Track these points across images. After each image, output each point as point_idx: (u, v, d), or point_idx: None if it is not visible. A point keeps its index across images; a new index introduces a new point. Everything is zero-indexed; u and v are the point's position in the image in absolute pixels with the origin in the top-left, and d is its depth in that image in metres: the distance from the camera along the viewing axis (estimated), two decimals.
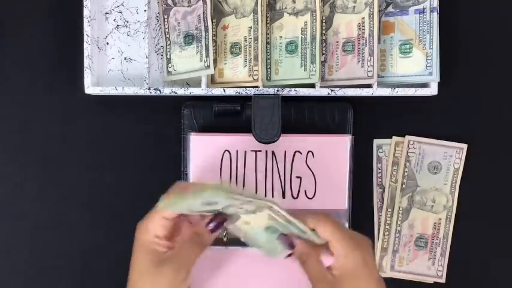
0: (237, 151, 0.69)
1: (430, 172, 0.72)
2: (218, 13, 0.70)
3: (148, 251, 0.55)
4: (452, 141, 0.72)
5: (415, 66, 0.69)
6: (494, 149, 0.73)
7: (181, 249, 0.56)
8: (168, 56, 0.71)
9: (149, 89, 0.68)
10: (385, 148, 0.73)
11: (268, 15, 0.70)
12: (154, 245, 0.56)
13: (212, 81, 0.71)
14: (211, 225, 0.57)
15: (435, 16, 0.68)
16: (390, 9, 0.70)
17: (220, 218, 0.57)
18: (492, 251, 0.73)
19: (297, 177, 0.69)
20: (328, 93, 0.68)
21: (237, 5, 0.69)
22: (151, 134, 0.72)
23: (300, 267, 0.58)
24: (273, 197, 0.70)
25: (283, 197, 0.70)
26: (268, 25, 0.70)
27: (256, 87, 0.69)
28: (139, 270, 0.55)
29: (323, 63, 0.70)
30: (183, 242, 0.57)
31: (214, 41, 0.70)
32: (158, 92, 0.68)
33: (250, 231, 0.59)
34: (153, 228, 0.56)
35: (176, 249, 0.56)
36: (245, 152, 0.69)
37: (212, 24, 0.69)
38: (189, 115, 0.71)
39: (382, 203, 0.72)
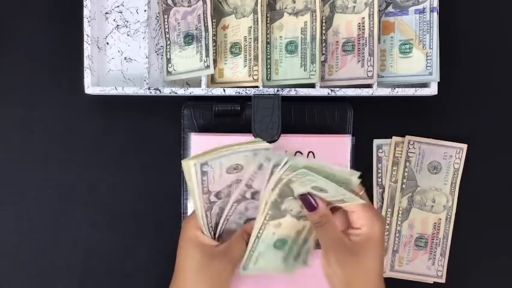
0: None
1: (430, 172, 0.72)
2: (218, 13, 0.70)
3: (198, 245, 0.58)
4: (452, 141, 0.72)
5: (415, 66, 0.69)
6: (494, 149, 0.73)
7: (231, 244, 0.58)
8: (168, 56, 0.71)
9: (149, 89, 0.68)
10: (385, 148, 0.73)
11: (268, 15, 0.70)
12: (204, 239, 0.58)
13: (212, 81, 0.71)
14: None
15: (435, 16, 0.68)
16: (390, 9, 0.70)
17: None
18: (492, 251, 0.73)
19: None
20: (328, 93, 0.68)
21: (237, 5, 0.69)
22: (151, 134, 0.72)
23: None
24: None
25: None
26: (268, 25, 0.70)
27: (256, 87, 0.69)
28: (189, 264, 0.57)
29: (323, 63, 0.70)
30: (232, 237, 0.59)
31: (214, 41, 0.70)
32: (158, 92, 0.68)
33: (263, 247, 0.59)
34: (199, 224, 0.58)
35: (226, 244, 0.58)
36: None
37: (212, 24, 0.69)
38: (189, 115, 0.71)
39: (382, 203, 0.72)
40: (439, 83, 0.68)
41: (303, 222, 0.59)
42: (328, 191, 0.56)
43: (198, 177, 0.55)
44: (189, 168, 0.54)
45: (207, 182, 0.56)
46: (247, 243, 0.59)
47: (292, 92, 0.68)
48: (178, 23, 0.70)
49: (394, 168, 0.72)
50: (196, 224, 0.59)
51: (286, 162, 0.54)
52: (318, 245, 0.60)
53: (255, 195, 0.59)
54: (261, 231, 0.58)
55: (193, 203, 0.58)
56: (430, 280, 0.72)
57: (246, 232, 0.59)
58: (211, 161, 0.55)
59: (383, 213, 0.72)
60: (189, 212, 0.70)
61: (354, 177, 0.55)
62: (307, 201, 0.56)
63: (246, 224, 0.61)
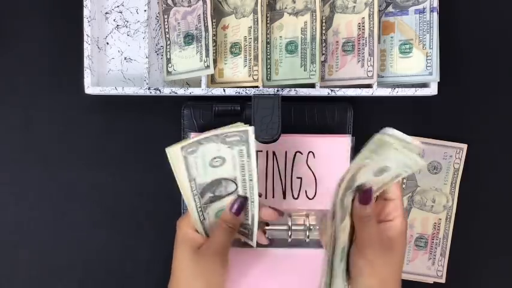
0: None
1: (430, 172, 0.72)
2: (218, 13, 0.70)
3: (187, 242, 0.59)
4: (452, 141, 0.72)
5: (415, 66, 0.69)
6: (494, 149, 0.73)
7: (213, 236, 0.59)
8: (168, 56, 0.71)
9: (149, 89, 0.68)
10: None
11: (268, 15, 0.70)
12: (193, 236, 0.59)
13: (212, 81, 0.71)
14: (234, 208, 0.60)
15: (435, 16, 0.68)
16: (390, 9, 0.70)
17: (240, 200, 0.60)
18: (492, 251, 0.73)
19: (298, 177, 0.69)
20: (328, 93, 0.68)
21: (237, 5, 0.69)
22: (152, 134, 0.72)
23: None
24: (273, 197, 0.70)
25: (284, 197, 0.70)
26: (268, 25, 0.70)
27: (256, 87, 0.69)
28: (180, 261, 0.59)
29: (323, 63, 0.70)
30: (213, 230, 0.60)
31: (214, 41, 0.70)
32: (158, 92, 0.68)
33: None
34: (192, 223, 0.60)
35: (210, 238, 0.60)
36: None
37: (212, 24, 0.69)
38: (189, 115, 0.71)
39: None
40: (439, 83, 0.68)
41: (349, 221, 0.57)
42: (391, 169, 0.54)
43: (185, 165, 0.54)
44: (176, 153, 0.53)
45: (194, 173, 0.56)
46: (228, 231, 0.59)
47: (292, 92, 0.68)
48: (178, 23, 0.70)
49: None
50: (188, 221, 0.60)
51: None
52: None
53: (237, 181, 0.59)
54: (338, 243, 0.56)
55: (184, 196, 0.57)
56: (430, 280, 0.72)
57: (223, 221, 0.60)
58: (195, 147, 0.53)
59: None
60: None
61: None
62: (368, 194, 0.55)
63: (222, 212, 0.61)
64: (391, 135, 0.52)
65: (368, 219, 0.56)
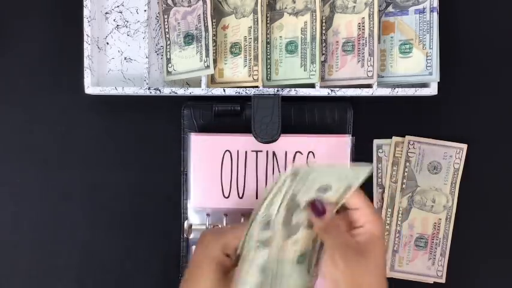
0: (237, 151, 0.69)
1: (430, 172, 0.72)
2: (218, 13, 0.70)
3: (218, 266, 0.56)
4: (452, 141, 0.72)
5: (415, 66, 0.69)
6: (494, 149, 0.73)
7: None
8: (168, 56, 0.71)
9: (149, 89, 0.68)
10: (385, 148, 0.73)
11: (268, 15, 0.70)
12: (223, 258, 0.56)
13: (212, 81, 0.71)
14: None
15: (435, 16, 0.68)
16: (390, 9, 0.70)
17: None
18: (492, 251, 0.73)
19: None
20: (328, 93, 0.68)
21: (237, 5, 0.70)
22: (151, 134, 0.72)
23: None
24: None
25: None
26: (268, 25, 0.70)
27: (256, 87, 0.69)
28: (207, 281, 0.56)
29: (323, 63, 0.70)
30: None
31: (214, 41, 0.70)
32: (158, 92, 0.68)
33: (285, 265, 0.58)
34: (226, 245, 0.57)
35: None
36: (246, 152, 0.69)
37: (212, 24, 0.69)
38: (189, 115, 0.71)
39: (382, 203, 0.72)
40: (439, 83, 0.68)
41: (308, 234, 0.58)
42: (332, 186, 0.55)
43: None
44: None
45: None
46: None
47: (292, 92, 0.68)
48: (178, 23, 0.70)
49: (394, 168, 0.72)
50: (223, 244, 0.57)
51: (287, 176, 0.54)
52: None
53: None
54: (280, 253, 0.57)
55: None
56: (430, 280, 0.72)
57: None
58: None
59: (383, 213, 0.72)
60: (189, 212, 0.69)
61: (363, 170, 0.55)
62: (316, 207, 0.56)
63: None
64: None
65: (330, 229, 0.56)
